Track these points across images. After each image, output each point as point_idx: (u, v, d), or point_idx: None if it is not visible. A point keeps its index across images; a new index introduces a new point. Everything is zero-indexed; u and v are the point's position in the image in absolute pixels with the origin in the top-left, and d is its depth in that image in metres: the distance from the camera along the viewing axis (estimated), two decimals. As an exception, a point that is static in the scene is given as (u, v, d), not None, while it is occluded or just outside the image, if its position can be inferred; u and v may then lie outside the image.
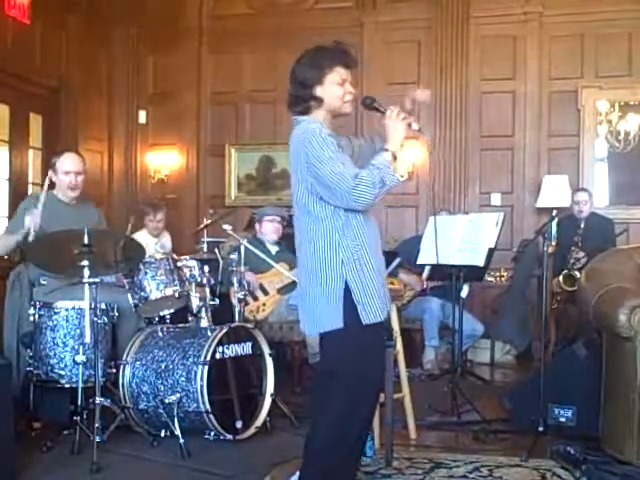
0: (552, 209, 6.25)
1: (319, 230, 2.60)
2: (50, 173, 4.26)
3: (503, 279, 5.37)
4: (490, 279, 5.31)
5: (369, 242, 2.63)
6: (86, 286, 3.57)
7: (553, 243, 5.66)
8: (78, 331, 3.84)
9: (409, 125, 2.62)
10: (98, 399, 3.60)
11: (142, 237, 5.63)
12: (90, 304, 3.60)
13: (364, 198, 2.49)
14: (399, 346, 3.83)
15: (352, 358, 2.61)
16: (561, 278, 5.90)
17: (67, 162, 4.26)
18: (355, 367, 2.59)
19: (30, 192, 6.34)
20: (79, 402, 3.63)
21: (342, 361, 2.63)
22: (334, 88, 2.64)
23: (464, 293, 4.86)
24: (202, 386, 3.70)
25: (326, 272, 2.59)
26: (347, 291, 2.57)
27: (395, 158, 2.57)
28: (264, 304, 5.16)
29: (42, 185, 4.18)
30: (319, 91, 2.64)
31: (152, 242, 5.91)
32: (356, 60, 2.73)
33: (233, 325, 4.02)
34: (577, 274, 5.70)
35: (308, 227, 2.64)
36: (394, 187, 2.56)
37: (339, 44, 2.69)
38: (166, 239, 6.20)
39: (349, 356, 2.61)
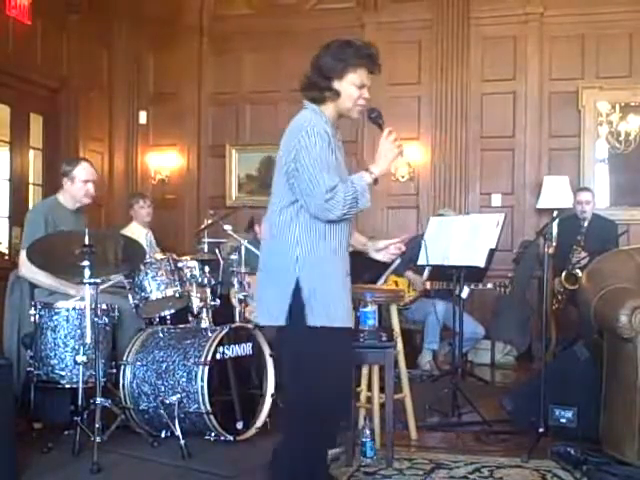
0: (553, 210, 6.28)
1: (283, 220, 2.55)
2: (66, 181, 4.28)
3: (507, 290, 5.36)
4: (490, 285, 5.31)
5: (335, 243, 2.56)
6: (87, 286, 3.58)
7: (553, 244, 5.67)
8: (79, 331, 3.83)
9: (401, 153, 2.58)
10: (99, 399, 3.59)
11: (132, 230, 5.56)
12: (91, 304, 3.60)
13: (331, 214, 2.46)
14: (399, 346, 3.83)
15: (306, 358, 2.54)
16: (563, 276, 5.91)
17: (85, 171, 4.32)
18: (309, 369, 2.53)
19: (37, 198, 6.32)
20: (80, 402, 3.62)
21: (295, 360, 2.58)
22: (351, 88, 2.58)
23: (465, 294, 4.86)
24: (203, 387, 3.70)
25: (280, 265, 2.54)
26: (299, 289, 2.50)
27: (376, 182, 2.54)
28: (264, 305, 5.14)
29: None
30: (337, 85, 2.57)
31: (143, 234, 5.84)
32: (380, 68, 2.62)
33: (234, 326, 4.02)
34: (579, 273, 5.69)
35: (275, 213, 2.57)
36: (364, 209, 2.53)
37: (370, 47, 2.60)
38: (150, 234, 6.15)
39: (304, 356, 2.54)
